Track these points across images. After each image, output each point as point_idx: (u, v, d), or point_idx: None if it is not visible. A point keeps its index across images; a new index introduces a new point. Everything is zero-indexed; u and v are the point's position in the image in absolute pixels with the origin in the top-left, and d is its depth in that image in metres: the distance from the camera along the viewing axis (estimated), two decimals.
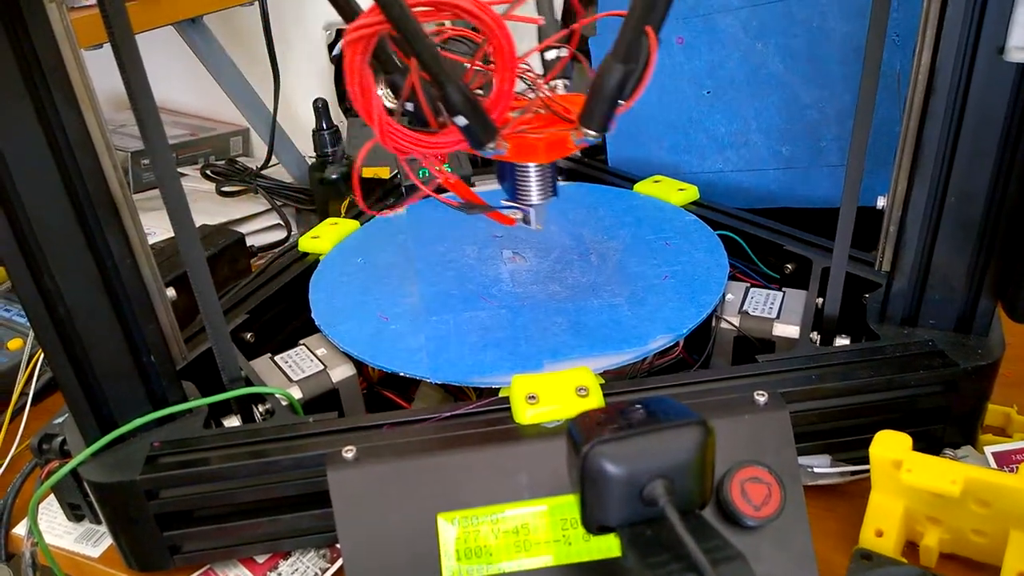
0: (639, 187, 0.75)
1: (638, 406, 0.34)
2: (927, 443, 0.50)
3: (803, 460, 0.50)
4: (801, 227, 0.66)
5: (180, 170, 1.02)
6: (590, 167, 0.83)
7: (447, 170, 0.57)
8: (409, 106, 0.50)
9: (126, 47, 0.42)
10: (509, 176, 0.56)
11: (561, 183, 0.79)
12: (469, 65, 0.51)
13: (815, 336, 0.54)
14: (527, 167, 0.55)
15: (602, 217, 0.70)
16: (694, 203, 0.72)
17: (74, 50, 0.41)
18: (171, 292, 0.49)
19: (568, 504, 0.42)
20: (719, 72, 0.75)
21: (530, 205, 0.56)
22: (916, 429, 0.47)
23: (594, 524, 0.33)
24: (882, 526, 0.46)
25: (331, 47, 0.97)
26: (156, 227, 0.81)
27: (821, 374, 0.49)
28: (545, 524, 0.42)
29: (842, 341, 0.54)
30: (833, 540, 0.48)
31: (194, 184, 0.99)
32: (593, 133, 0.48)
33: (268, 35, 0.86)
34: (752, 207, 0.74)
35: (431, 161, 0.53)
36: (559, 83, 0.55)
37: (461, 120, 0.47)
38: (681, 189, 0.72)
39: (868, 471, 0.46)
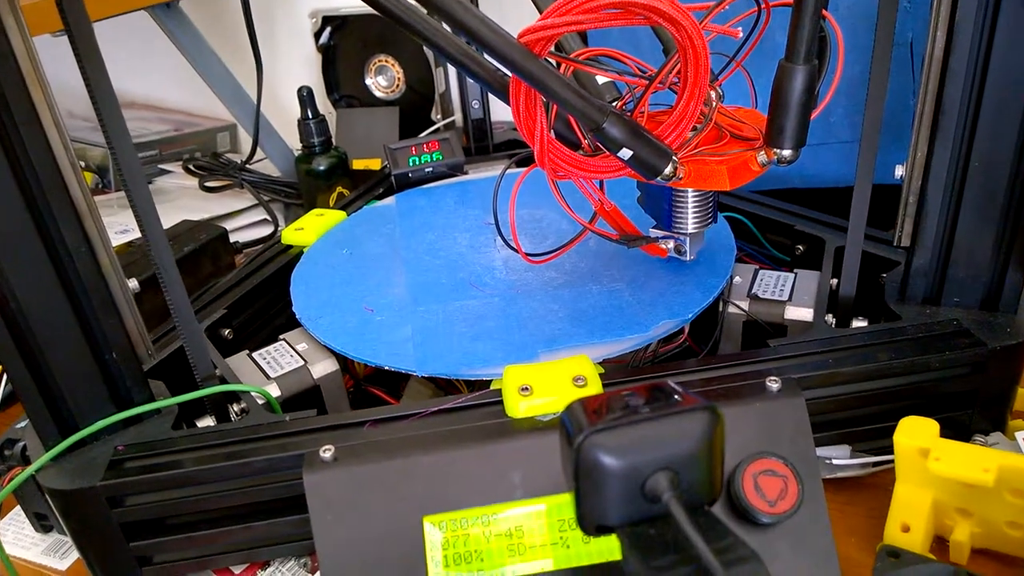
0: None
1: (637, 392, 0.31)
2: (953, 430, 0.47)
3: (821, 451, 0.46)
4: (811, 208, 0.62)
5: (163, 166, 0.99)
6: None
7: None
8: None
9: (81, 33, 0.39)
10: (662, 199, 0.51)
11: None
12: (625, 87, 0.47)
13: (830, 319, 0.50)
14: (684, 192, 0.50)
15: None
16: None
17: (24, 36, 0.38)
18: (134, 284, 0.45)
19: (565, 504, 0.39)
20: (719, 46, 0.71)
21: (686, 234, 0.52)
22: (941, 415, 0.44)
23: (591, 524, 0.30)
24: (909, 520, 0.42)
25: (317, 35, 0.93)
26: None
27: (838, 358, 0.45)
28: (541, 526, 0.39)
29: (859, 323, 0.50)
30: (856, 537, 0.45)
31: (178, 180, 0.96)
32: (788, 153, 0.43)
33: (249, 20, 0.83)
34: (758, 189, 0.70)
35: (590, 186, 0.49)
36: (712, 93, 0.47)
37: (626, 153, 0.42)
38: None
39: (892, 461, 0.43)
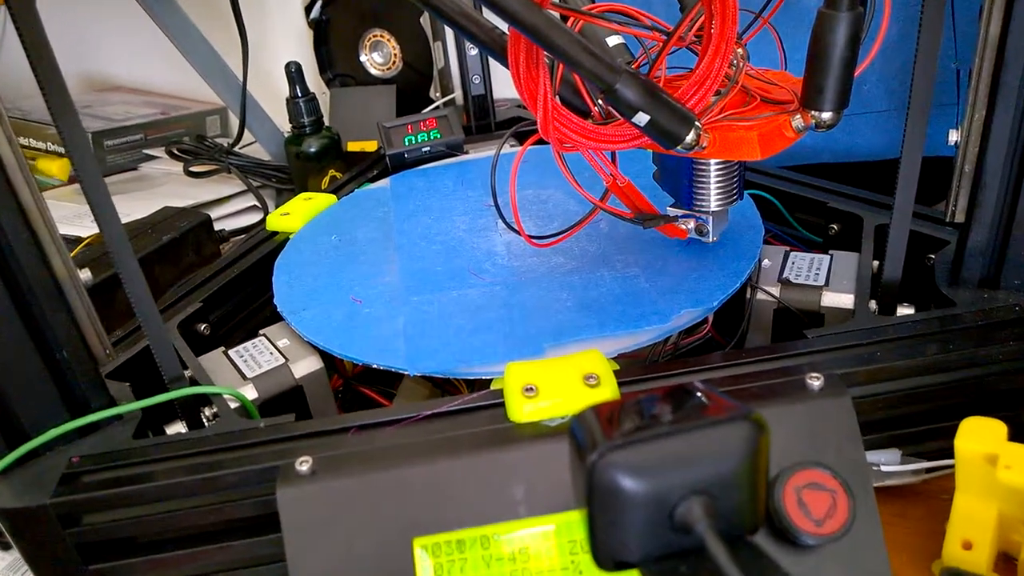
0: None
1: (662, 397, 0.25)
2: (1015, 432, 0.41)
3: (868, 457, 0.40)
4: (843, 184, 0.56)
5: (149, 151, 0.93)
6: None
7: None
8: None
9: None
10: (674, 172, 0.46)
11: None
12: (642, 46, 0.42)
13: (873, 305, 0.45)
14: (706, 164, 0.44)
15: None
16: None
17: None
18: (87, 275, 0.40)
19: (577, 522, 0.34)
20: (743, 12, 0.65)
21: (708, 212, 0.46)
22: (1002, 414, 0.38)
23: (608, 559, 0.24)
24: (971, 536, 0.37)
25: (308, 9, 0.88)
26: (123, 211, 0.73)
27: (886, 350, 0.40)
28: (549, 548, 0.33)
29: (905, 310, 0.45)
30: (907, 554, 0.39)
31: (164, 166, 0.91)
32: (828, 116, 0.38)
33: None
34: (784, 164, 0.64)
35: (601, 159, 0.43)
36: (739, 52, 0.41)
37: (642, 118, 0.37)
38: None
39: (949, 468, 0.38)
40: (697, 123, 0.39)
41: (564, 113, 0.40)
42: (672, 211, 0.48)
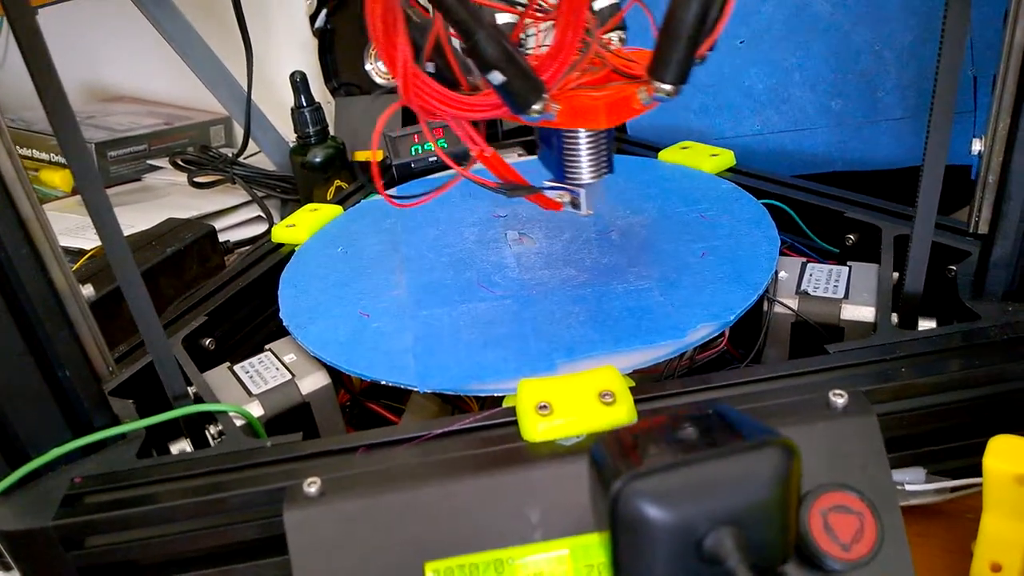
0: (664, 155, 0.65)
1: (687, 419, 0.24)
2: None
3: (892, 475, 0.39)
4: (856, 192, 0.55)
5: (152, 162, 0.93)
6: None
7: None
8: (431, 67, 0.41)
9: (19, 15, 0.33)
10: (554, 149, 0.46)
11: None
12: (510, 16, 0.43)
13: (894, 319, 0.44)
14: (576, 136, 0.45)
15: (623, 189, 0.60)
16: (730, 170, 0.61)
17: None
18: (89, 291, 0.39)
19: (594, 546, 0.32)
20: (754, 18, 0.64)
21: (580, 185, 0.46)
22: None
23: None
24: (1000, 558, 0.36)
25: (312, 18, 0.87)
26: (126, 223, 0.72)
27: (910, 366, 0.39)
28: (565, 572, 0.32)
29: (926, 323, 0.44)
30: None
31: (168, 177, 0.90)
32: (668, 87, 0.39)
33: (236, 1, 0.77)
34: (798, 174, 0.63)
35: (465, 129, 0.42)
36: (614, 35, 0.46)
37: (497, 77, 0.38)
38: (714, 155, 0.62)
39: (974, 486, 0.36)
40: (545, 94, 0.39)
41: (426, 81, 0.39)
42: (548, 184, 0.48)
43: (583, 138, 0.45)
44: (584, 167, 0.45)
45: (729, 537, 0.22)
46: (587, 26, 0.41)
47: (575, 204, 0.47)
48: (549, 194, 0.47)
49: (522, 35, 0.44)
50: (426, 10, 0.39)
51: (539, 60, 0.40)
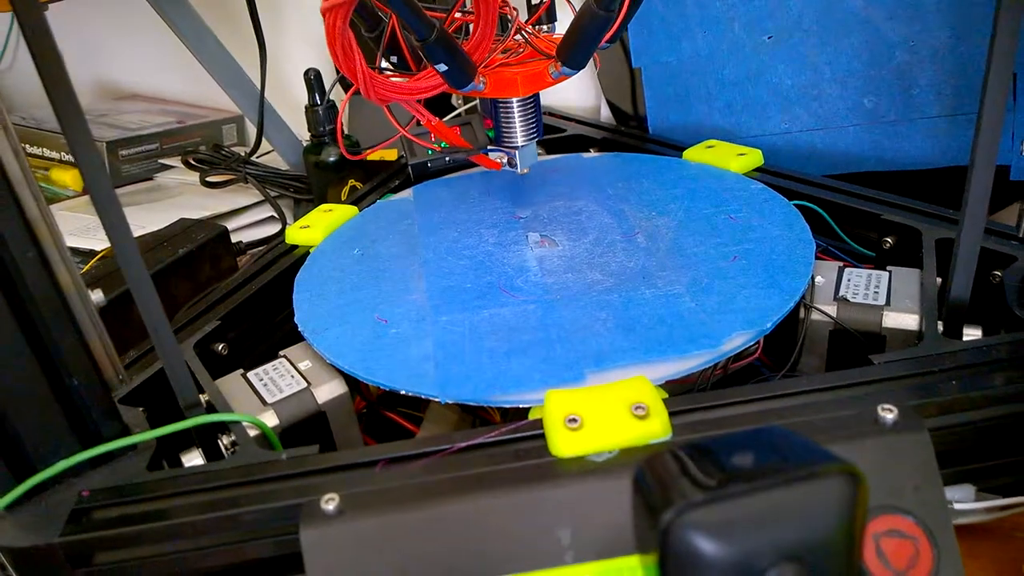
0: (688, 154, 0.63)
1: (741, 442, 0.23)
2: None
3: None
4: (890, 193, 0.53)
5: (165, 161, 0.91)
6: (627, 135, 0.72)
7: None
8: (393, 59, 0.53)
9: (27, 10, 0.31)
10: (494, 118, 0.56)
11: (594, 154, 0.68)
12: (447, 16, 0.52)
13: (940, 327, 0.42)
14: (510, 105, 0.55)
15: (647, 190, 0.58)
16: (758, 170, 0.59)
17: None
18: (98, 296, 0.38)
19: (628, 569, 0.31)
20: (782, 13, 0.62)
21: (514, 147, 0.56)
22: None
23: None
24: None
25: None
26: (137, 223, 0.71)
27: (960, 377, 0.37)
28: None
29: (972, 331, 0.41)
30: None
31: (180, 176, 0.88)
32: (565, 69, 0.50)
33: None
34: (828, 174, 0.61)
35: (415, 106, 0.54)
36: (544, 26, 0.58)
37: (442, 66, 0.48)
38: (741, 154, 0.60)
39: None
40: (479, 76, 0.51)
41: (378, 77, 0.48)
42: (490, 149, 0.58)
43: (516, 107, 0.55)
44: (517, 131, 0.55)
45: (793, 574, 0.20)
46: (515, 16, 0.53)
47: (511, 164, 0.57)
48: (492, 156, 0.58)
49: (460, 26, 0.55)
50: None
51: (467, 47, 0.50)
